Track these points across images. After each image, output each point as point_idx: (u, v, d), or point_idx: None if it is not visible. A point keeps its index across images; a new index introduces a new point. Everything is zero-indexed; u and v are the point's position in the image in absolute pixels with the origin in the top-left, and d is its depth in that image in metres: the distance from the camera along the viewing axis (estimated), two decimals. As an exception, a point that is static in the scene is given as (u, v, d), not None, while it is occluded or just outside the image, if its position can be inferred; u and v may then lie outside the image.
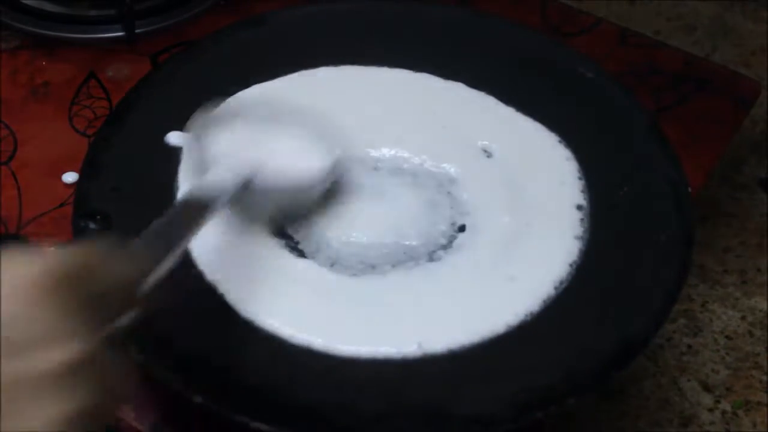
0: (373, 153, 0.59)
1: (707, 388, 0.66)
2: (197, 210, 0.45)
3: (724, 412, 0.64)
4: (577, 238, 0.55)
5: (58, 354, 0.33)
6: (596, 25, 0.75)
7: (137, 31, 0.72)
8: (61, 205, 0.61)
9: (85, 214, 0.54)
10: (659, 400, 0.65)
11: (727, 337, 0.69)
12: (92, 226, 0.54)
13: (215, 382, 0.47)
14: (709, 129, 0.68)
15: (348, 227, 0.56)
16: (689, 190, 0.57)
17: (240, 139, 0.52)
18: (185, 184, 0.56)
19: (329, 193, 0.56)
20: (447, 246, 0.55)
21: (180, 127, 0.57)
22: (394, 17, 0.67)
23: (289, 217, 0.55)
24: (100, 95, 0.68)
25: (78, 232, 0.53)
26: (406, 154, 0.60)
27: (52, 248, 0.36)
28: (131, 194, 0.56)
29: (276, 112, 0.55)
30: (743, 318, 0.70)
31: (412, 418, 0.47)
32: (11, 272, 0.34)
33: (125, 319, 0.37)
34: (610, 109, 0.62)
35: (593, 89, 0.63)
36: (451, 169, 0.59)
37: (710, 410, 0.64)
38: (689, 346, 0.68)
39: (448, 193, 0.58)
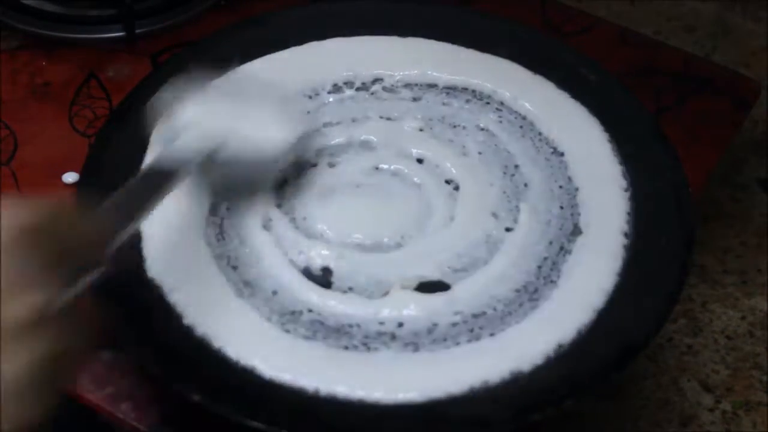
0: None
1: (707, 388, 0.66)
2: (163, 177, 0.47)
3: (724, 412, 0.64)
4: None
5: (22, 304, 0.34)
6: (596, 25, 0.75)
7: (137, 31, 0.72)
8: (61, 205, 0.61)
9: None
10: (659, 400, 0.65)
11: (727, 337, 0.69)
12: None
13: (215, 381, 0.47)
14: (709, 129, 0.68)
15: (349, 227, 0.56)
16: (689, 190, 0.57)
17: (207, 111, 0.53)
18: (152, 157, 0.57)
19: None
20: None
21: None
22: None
23: (252, 192, 0.56)
24: (100, 95, 0.68)
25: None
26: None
27: (23, 201, 0.37)
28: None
29: (246, 89, 0.56)
30: (743, 318, 0.70)
31: (410, 418, 0.47)
32: None
33: (90, 278, 0.38)
34: (610, 109, 0.62)
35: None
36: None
37: (710, 410, 0.65)
38: (689, 346, 0.68)
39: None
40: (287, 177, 0.58)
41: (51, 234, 0.36)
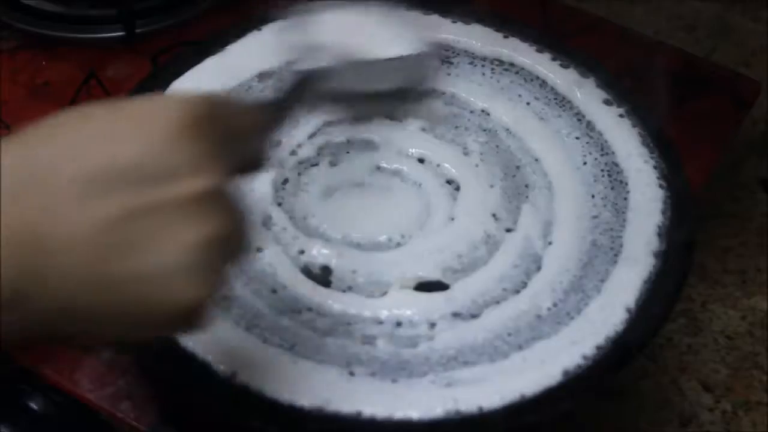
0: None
1: (707, 388, 0.66)
2: (307, 83, 0.47)
3: (724, 412, 0.64)
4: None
5: (189, 185, 0.34)
6: (596, 25, 0.75)
7: (137, 31, 0.72)
8: (61, 205, 0.61)
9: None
10: (659, 400, 0.65)
11: (727, 337, 0.69)
12: None
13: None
14: (709, 129, 0.68)
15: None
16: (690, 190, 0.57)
17: (337, 26, 0.52)
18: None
19: None
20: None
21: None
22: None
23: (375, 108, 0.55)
24: (100, 95, 0.68)
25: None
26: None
27: (193, 93, 0.38)
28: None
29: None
30: (743, 318, 0.70)
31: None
32: (153, 107, 0.36)
33: (252, 168, 0.40)
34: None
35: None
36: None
37: (710, 410, 0.65)
38: (689, 346, 0.68)
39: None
40: (288, 175, 0.58)
41: (218, 121, 0.36)
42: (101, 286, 0.33)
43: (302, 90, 0.47)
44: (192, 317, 0.35)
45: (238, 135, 0.38)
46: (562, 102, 0.62)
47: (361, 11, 0.54)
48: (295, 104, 0.45)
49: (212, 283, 0.35)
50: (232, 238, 0.36)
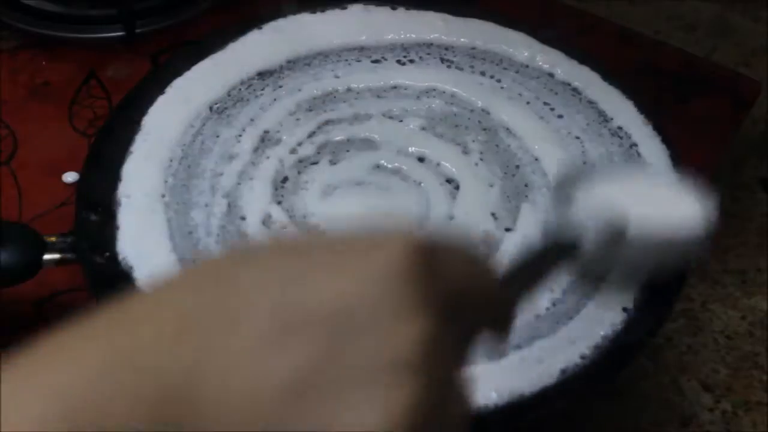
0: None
1: (707, 388, 0.66)
2: (560, 251, 0.43)
3: (724, 412, 0.64)
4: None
5: (397, 340, 0.27)
6: (596, 25, 0.75)
7: (137, 31, 0.72)
8: (61, 205, 0.61)
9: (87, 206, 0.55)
10: (659, 400, 0.65)
11: (727, 336, 0.69)
12: (93, 217, 0.54)
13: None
14: (709, 129, 0.68)
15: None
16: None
17: (607, 191, 0.49)
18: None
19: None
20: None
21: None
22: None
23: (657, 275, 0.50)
24: (100, 95, 0.69)
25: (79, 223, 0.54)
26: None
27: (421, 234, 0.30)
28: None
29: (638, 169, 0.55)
30: (743, 318, 0.70)
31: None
32: (382, 247, 0.29)
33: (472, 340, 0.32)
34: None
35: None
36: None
37: (710, 410, 0.64)
38: (689, 346, 0.68)
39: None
40: (287, 174, 0.58)
41: (443, 275, 0.29)
42: None
43: (558, 259, 0.42)
44: None
45: (462, 293, 0.30)
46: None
47: (646, 177, 0.51)
48: (546, 274, 0.40)
49: None
50: (436, 412, 0.28)
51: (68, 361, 0.26)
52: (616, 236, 0.45)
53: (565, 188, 0.49)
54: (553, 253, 0.42)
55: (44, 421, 0.25)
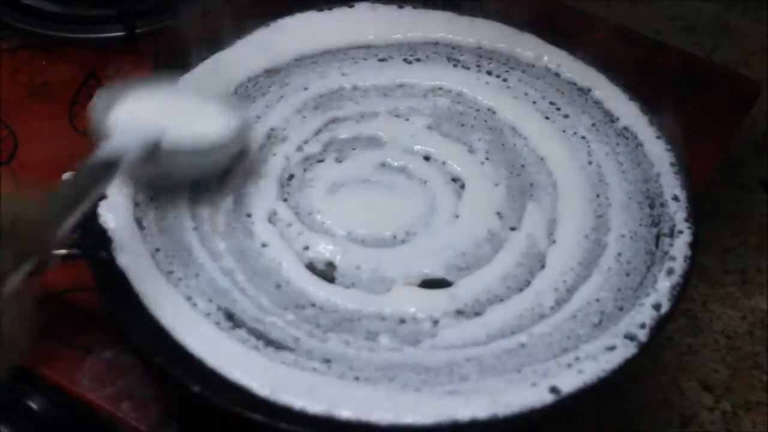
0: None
1: (707, 387, 0.66)
2: (103, 169, 0.48)
3: (724, 412, 0.64)
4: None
5: None
6: (596, 25, 0.75)
7: (137, 31, 0.72)
8: (62, 204, 0.61)
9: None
10: (659, 400, 0.65)
11: (727, 336, 0.69)
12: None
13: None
14: (709, 129, 0.68)
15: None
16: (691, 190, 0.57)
17: (144, 107, 0.54)
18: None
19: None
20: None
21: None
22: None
23: (200, 184, 0.56)
24: (100, 95, 0.68)
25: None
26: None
27: None
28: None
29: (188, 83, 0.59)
30: (743, 318, 0.70)
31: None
32: None
33: (28, 264, 0.39)
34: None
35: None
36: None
37: (710, 410, 0.65)
38: (689, 346, 0.68)
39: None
40: (293, 171, 0.58)
41: None
42: None
43: (96, 177, 0.47)
44: None
45: (10, 230, 0.37)
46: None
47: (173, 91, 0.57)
48: (85, 194, 0.46)
49: None
50: (7, 338, 0.35)
51: None
52: (153, 150, 0.51)
53: (104, 107, 0.53)
54: (94, 173, 0.47)
55: None
